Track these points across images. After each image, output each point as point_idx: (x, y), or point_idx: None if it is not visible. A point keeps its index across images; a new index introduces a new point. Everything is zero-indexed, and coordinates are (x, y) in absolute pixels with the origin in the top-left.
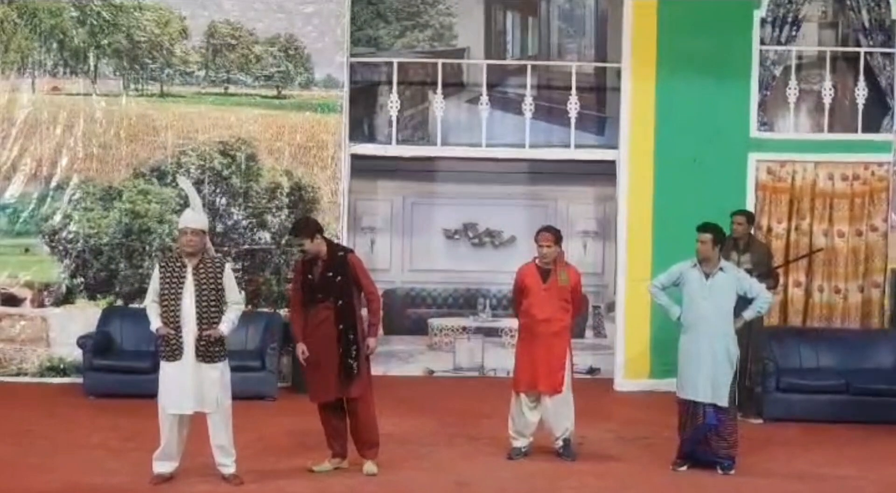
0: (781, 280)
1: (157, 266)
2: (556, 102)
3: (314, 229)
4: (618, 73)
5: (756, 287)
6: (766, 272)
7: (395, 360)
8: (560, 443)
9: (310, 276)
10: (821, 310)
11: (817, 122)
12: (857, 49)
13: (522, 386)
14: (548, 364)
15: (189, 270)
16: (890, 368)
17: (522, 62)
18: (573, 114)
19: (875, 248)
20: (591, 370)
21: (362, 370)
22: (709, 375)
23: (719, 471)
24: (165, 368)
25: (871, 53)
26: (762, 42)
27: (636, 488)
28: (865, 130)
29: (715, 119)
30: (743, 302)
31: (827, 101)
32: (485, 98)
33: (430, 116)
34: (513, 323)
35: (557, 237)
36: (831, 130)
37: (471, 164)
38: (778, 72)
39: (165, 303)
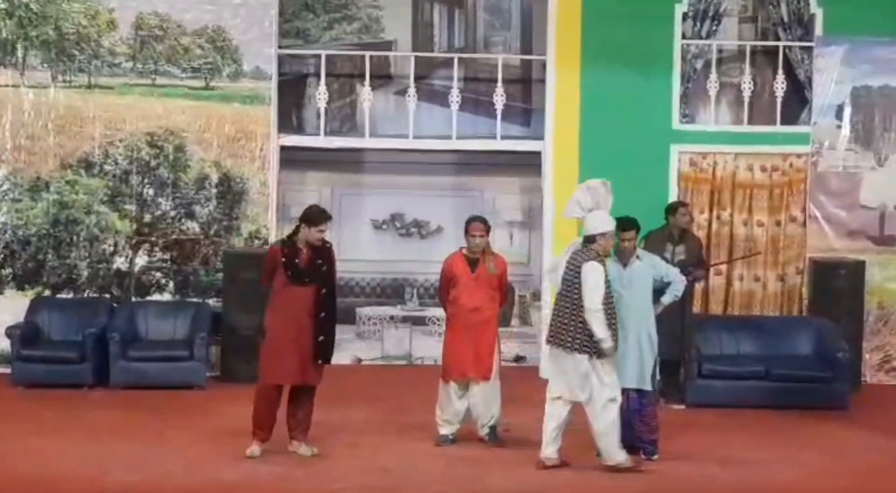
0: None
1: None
2: (482, 94)
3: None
4: (543, 65)
5: (672, 272)
6: (697, 263)
7: None
8: (486, 430)
9: (296, 260)
10: (741, 298)
11: (737, 114)
12: (776, 43)
13: (452, 374)
14: (477, 352)
15: None
16: (808, 354)
17: (449, 55)
18: (499, 106)
19: (794, 237)
20: (518, 358)
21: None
22: (634, 361)
23: (643, 456)
24: None
25: (789, 47)
26: (684, 36)
27: (561, 474)
28: (784, 122)
29: (638, 111)
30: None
31: (747, 94)
32: (412, 90)
33: (358, 108)
34: (440, 312)
35: (487, 227)
36: (751, 122)
37: (398, 155)
38: (699, 65)
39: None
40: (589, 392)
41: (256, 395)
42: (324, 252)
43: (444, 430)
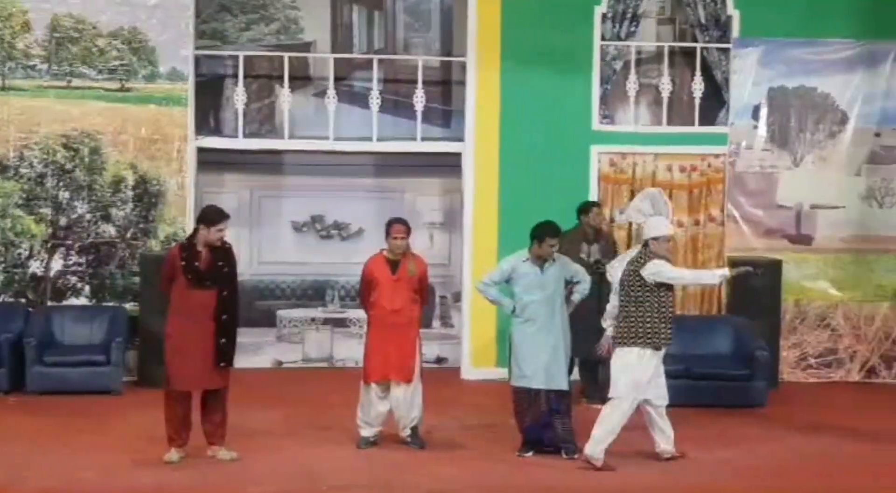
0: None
1: None
2: (402, 96)
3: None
4: (463, 66)
5: (580, 272)
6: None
7: (244, 352)
8: (408, 432)
9: (196, 263)
10: None
11: (656, 115)
12: (693, 44)
13: (373, 376)
14: (399, 354)
15: None
16: (726, 353)
17: (369, 56)
18: (419, 107)
19: (713, 237)
20: (439, 360)
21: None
22: (551, 362)
23: (564, 455)
24: None
25: (707, 48)
26: (603, 37)
27: (483, 475)
28: (702, 123)
29: (558, 112)
30: None
31: (665, 95)
32: (332, 91)
33: (276, 110)
34: (361, 314)
35: (408, 229)
36: (670, 123)
37: (318, 157)
38: (618, 66)
39: None
40: (619, 388)
41: (166, 401)
42: (224, 253)
43: (366, 432)
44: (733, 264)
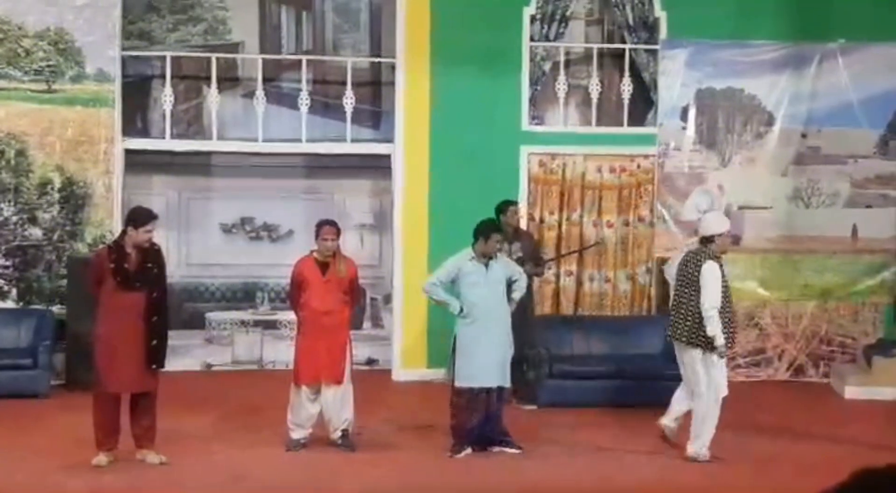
0: (553, 270)
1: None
2: (332, 97)
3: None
4: (393, 67)
5: (518, 270)
6: (533, 259)
7: (172, 354)
8: (339, 434)
9: (125, 265)
10: (592, 298)
11: (585, 116)
12: (622, 46)
13: (304, 378)
14: (329, 356)
15: None
16: (657, 353)
17: (297, 57)
18: (349, 108)
19: (642, 237)
20: (370, 361)
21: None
22: (498, 360)
23: (508, 450)
24: None
25: (635, 50)
26: (532, 38)
27: (415, 476)
28: (631, 123)
29: (488, 113)
30: None
31: (594, 96)
32: (260, 93)
33: (204, 111)
34: (291, 316)
35: (338, 230)
36: (599, 123)
37: (247, 158)
38: (547, 67)
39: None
40: (700, 384)
41: (95, 405)
42: (153, 255)
43: (296, 434)
44: (663, 263)
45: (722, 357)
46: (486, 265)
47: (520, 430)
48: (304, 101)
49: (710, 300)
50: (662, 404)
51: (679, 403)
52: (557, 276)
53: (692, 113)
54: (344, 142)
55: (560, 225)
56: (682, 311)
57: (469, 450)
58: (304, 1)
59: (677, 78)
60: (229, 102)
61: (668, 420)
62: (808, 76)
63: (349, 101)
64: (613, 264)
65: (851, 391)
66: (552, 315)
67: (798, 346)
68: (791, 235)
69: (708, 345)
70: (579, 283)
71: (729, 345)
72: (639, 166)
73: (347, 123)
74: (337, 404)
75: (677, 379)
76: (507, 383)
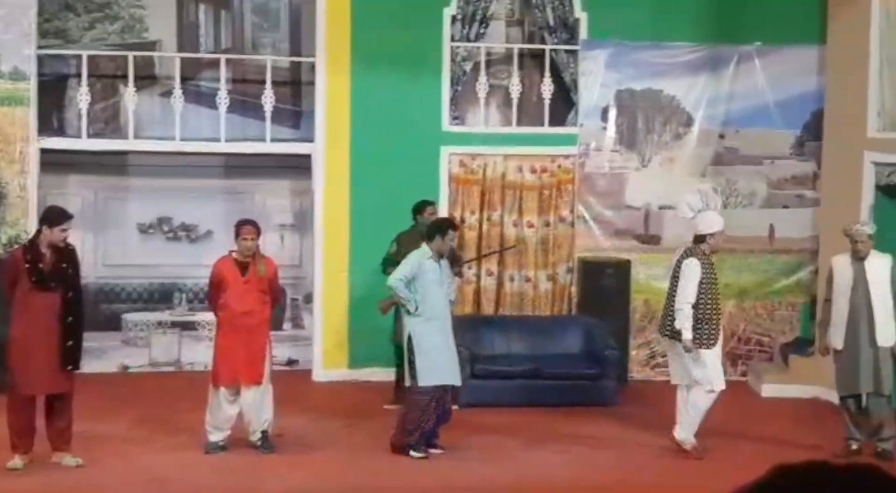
0: (473, 270)
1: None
2: (251, 96)
3: None
4: (313, 67)
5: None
6: (454, 260)
7: (88, 356)
8: (258, 435)
9: (40, 265)
10: (513, 298)
11: (506, 116)
12: (542, 46)
13: (223, 380)
14: (249, 357)
15: None
16: (577, 352)
17: (216, 56)
18: (268, 108)
19: (563, 238)
20: (290, 362)
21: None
22: (453, 358)
23: (433, 451)
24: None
25: (556, 50)
26: (453, 38)
27: (335, 478)
28: (552, 124)
29: (408, 113)
30: None
31: (515, 96)
32: (178, 91)
33: (121, 110)
34: (210, 316)
35: (258, 230)
36: (520, 124)
37: (165, 158)
38: (468, 68)
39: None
40: (686, 378)
41: (9, 407)
42: (68, 255)
43: (215, 437)
44: (584, 263)
45: (688, 352)
46: (440, 264)
47: (445, 429)
48: (222, 100)
49: (683, 295)
50: (583, 404)
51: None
52: (478, 276)
53: (612, 113)
54: (263, 141)
55: (481, 225)
56: (669, 307)
57: (418, 453)
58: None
59: (597, 79)
60: (146, 100)
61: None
62: (726, 78)
63: (269, 100)
64: (534, 264)
65: (769, 389)
66: (473, 315)
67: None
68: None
69: (696, 340)
70: (500, 283)
71: (713, 341)
72: (559, 166)
73: (267, 123)
74: (257, 406)
75: (596, 378)
76: (459, 382)
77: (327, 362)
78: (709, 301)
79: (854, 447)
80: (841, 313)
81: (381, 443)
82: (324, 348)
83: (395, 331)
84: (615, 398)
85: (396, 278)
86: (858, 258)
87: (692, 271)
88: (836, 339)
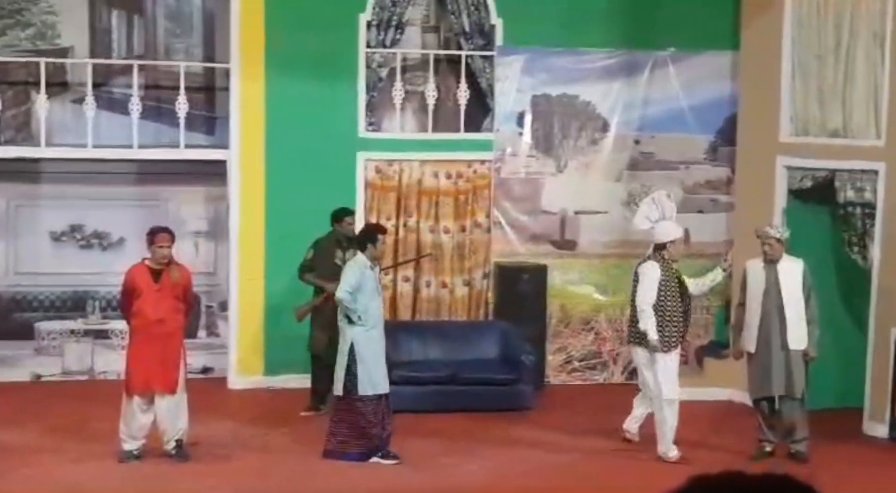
0: (390, 277)
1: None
2: (164, 102)
3: None
4: (227, 72)
5: None
6: None
7: (0, 365)
8: (172, 444)
9: None
10: (429, 304)
11: (422, 122)
12: (458, 52)
13: (136, 388)
14: (162, 365)
15: None
16: (494, 358)
17: (128, 62)
18: (182, 114)
19: (479, 243)
20: (205, 370)
21: None
22: (385, 365)
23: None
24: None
25: (472, 56)
26: (368, 44)
27: (251, 485)
28: (468, 129)
29: (324, 119)
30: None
31: (431, 102)
32: (90, 98)
33: (33, 117)
34: (123, 325)
35: (173, 238)
36: (436, 129)
37: (77, 165)
38: (384, 73)
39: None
40: (647, 386)
41: None
42: None
43: (129, 445)
44: (500, 269)
45: (654, 352)
46: (375, 271)
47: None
48: (135, 106)
49: (642, 297)
50: (500, 409)
51: (638, 406)
52: (394, 282)
53: (528, 119)
54: (177, 148)
55: (397, 231)
56: (633, 315)
57: (383, 459)
58: (135, 5)
59: (513, 84)
60: (58, 107)
61: (628, 424)
62: (641, 84)
63: (182, 106)
64: (451, 269)
65: (684, 392)
66: (390, 322)
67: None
68: (626, 240)
69: (650, 342)
70: (416, 289)
71: (675, 343)
72: (475, 172)
73: (181, 129)
74: (171, 414)
75: (513, 383)
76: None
77: (242, 369)
78: (668, 305)
79: (767, 448)
80: (754, 316)
81: (297, 450)
82: (239, 355)
83: (311, 338)
84: (532, 403)
85: (345, 290)
86: (770, 262)
87: (650, 272)
88: (749, 342)
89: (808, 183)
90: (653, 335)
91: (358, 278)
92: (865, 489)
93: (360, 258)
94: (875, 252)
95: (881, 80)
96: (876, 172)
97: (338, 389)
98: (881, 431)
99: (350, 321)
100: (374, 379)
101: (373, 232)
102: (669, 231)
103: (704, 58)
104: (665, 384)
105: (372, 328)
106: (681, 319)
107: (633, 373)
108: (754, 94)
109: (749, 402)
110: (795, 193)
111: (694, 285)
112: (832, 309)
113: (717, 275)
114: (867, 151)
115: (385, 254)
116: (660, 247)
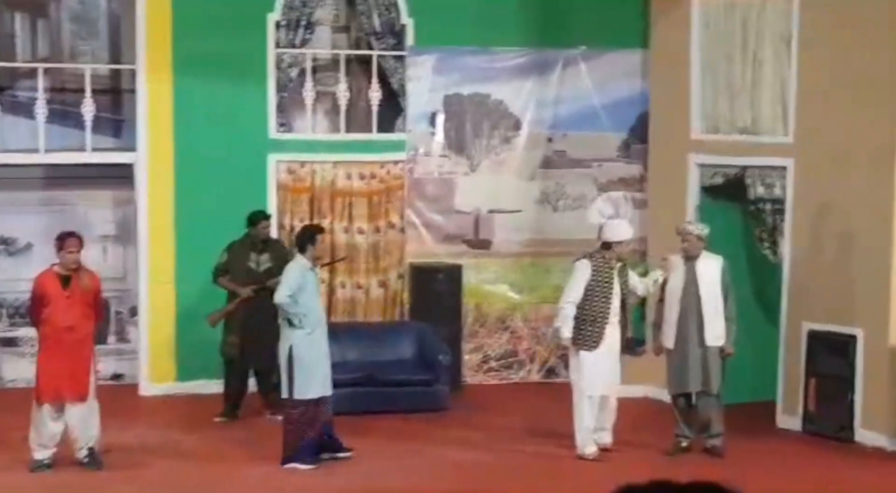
0: None
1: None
2: (71, 105)
3: None
4: (134, 74)
5: None
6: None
7: None
8: (84, 452)
9: None
10: (345, 305)
11: (334, 123)
12: (369, 52)
13: (47, 396)
14: (73, 372)
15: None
16: (410, 358)
17: (33, 65)
18: (89, 117)
19: (393, 244)
20: (116, 376)
21: None
22: (329, 368)
23: (345, 455)
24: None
25: (383, 56)
26: (278, 44)
27: (164, 492)
28: (381, 130)
29: (234, 120)
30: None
31: (343, 102)
32: None
33: None
34: (32, 332)
35: (82, 243)
36: (348, 130)
37: None
38: (294, 74)
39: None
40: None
41: None
42: None
43: (39, 455)
44: (415, 269)
45: (565, 349)
46: (314, 272)
47: (272, 442)
48: (41, 110)
49: (566, 295)
50: (417, 409)
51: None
52: None
53: (440, 119)
54: (84, 151)
55: None
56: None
57: (304, 465)
58: (39, 8)
59: (425, 84)
60: None
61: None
62: (553, 82)
63: (89, 109)
64: (365, 270)
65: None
66: None
67: (549, 348)
68: (540, 239)
69: (577, 341)
70: (331, 290)
71: (594, 344)
72: (389, 172)
73: (87, 132)
74: (83, 422)
75: (430, 384)
76: (330, 392)
77: (154, 375)
78: (595, 304)
79: (683, 444)
80: (672, 312)
81: (210, 456)
82: (151, 361)
83: (224, 342)
84: (449, 403)
85: (285, 294)
86: (689, 258)
87: (580, 271)
88: (668, 338)
89: (720, 180)
90: (565, 334)
91: (299, 280)
92: (780, 480)
93: (301, 260)
94: (785, 247)
95: (788, 78)
96: (785, 169)
97: (282, 392)
98: (794, 424)
99: (291, 324)
100: (310, 383)
101: (311, 232)
102: (619, 231)
103: (615, 56)
104: (584, 381)
105: (313, 331)
106: (605, 320)
107: (550, 372)
108: (665, 92)
109: (665, 398)
110: (707, 190)
111: (642, 287)
112: (744, 304)
113: (658, 275)
114: (776, 148)
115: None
116: (606, 246)
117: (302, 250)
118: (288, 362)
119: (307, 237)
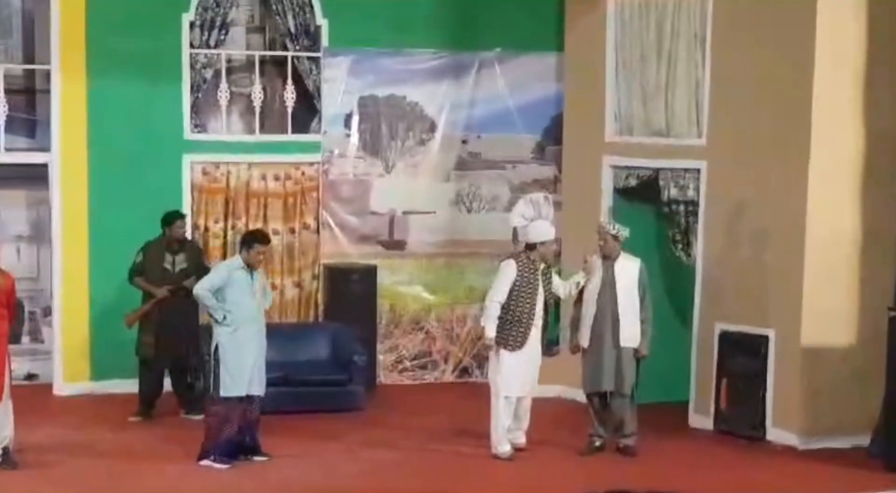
0: None
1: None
2: None
3: None
4: (47, 74)
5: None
6: (198, 270)
7: None
8: None
9: None
10: None
11: (249, 123)
12: (284, 53)
13: None
14: None
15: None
16: (325, 358)
17: None
18: (2, 117)
19: (308, 244)
20: (30, 376)
21: None
22: (258, 367)
23: (261, 458)
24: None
25: (298, 57)
26: (192, 45)
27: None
28: (296, 131)
29: (149, 120)
30: None
31: (257, 103)
32: None
33: None
34: None
35: None
36: (263, 131)
37: None
38: (209, 75)
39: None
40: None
41: None
42: None
43: None
44: (330, 270)
45: (488, 349)
46: (252, 274)
47: (186, 442)
48: None
49: (491, 293)
50: (332, 409)
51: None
52: None
53: (356, 120)
54: None
55: (225, 234)
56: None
57: (218, 464)
58: None
59: (340, 86)
60: None
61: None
62: (468, 84)
63: (2, 109)
64: (280, 271)
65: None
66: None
67: (463, 348)
68: (455, 240)
69: (500, 341)
70: None
71: (517, 345)
72: (304, 174)
73: (1, 132)
74: None
75: (345, 384)
76: (263, 392)
77: (68, 375)
78: (520, 305)
79: (597, 443)
80: (589, 312)
81: (124, 455)
82: (65, 361)
83: (139, 342)
84: (364, 403)
85: (203, 287)
86: (606, 258)
87: (506, 270)
88: (584, 337)
89: (633, 182)
90: (489, 333)
91: (223, 278)
92: (692, 479)
93: (235, 259)
94: (698, 249)
95: (702, 80)
96: (698, 171)
97: (211, 390)
98: (706, 423)
99: (215, 321)
100: (235, 381)
101: (250, 239)
102: (542, 231)
103: (530, 58)
104: (502, 381)
105: (238, 330)
106: (531, 321)
107: (464, 371)
108: (579, 94)
109: (578, 398)
110: (621, 192)
111: (564, 289)
112: (658, 305)
113: (580, 277)
114: (689, 150)
115: (263, 263)
116: (531, 247)
117: (240, 251)
118: (213, 360)
119: (244, 242)
